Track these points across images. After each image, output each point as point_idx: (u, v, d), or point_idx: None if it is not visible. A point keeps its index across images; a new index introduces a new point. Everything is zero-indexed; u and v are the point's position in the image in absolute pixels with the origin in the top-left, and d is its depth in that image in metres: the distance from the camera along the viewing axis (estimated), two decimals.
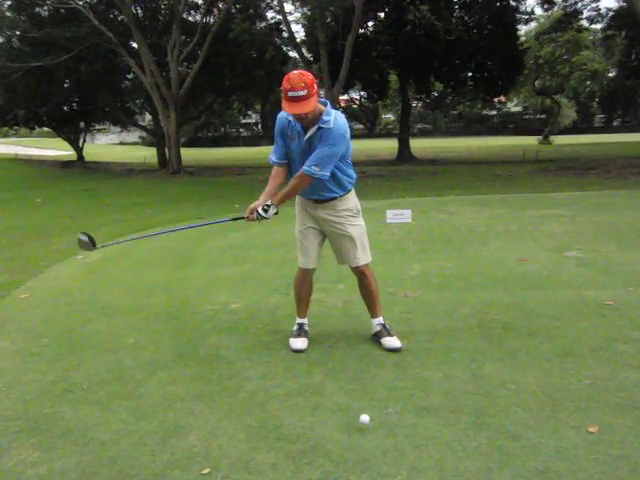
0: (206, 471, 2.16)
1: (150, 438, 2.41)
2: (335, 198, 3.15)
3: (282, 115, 3.07)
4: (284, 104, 2.87)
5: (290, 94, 2.82)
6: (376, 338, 3.33)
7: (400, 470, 2.12)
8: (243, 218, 3.19)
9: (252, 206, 3.12)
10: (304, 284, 3.41)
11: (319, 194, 3.15)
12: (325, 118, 2.93)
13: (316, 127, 2.96)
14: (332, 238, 3.27)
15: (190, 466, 2.20)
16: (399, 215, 4.20)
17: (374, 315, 3.37)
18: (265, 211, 3.08)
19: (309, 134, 2.99)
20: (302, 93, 2.79)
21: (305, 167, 2.97)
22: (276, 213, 3.10)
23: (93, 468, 2.22)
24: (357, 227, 3.22)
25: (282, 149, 3.14)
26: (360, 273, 3.29)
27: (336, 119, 2.95)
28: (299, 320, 3.44)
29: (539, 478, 2.04)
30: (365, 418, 2.38)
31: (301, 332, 3.39)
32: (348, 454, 2.23)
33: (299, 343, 3.30)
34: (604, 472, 2.06)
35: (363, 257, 3.25)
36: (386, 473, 2.11)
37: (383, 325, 3.34)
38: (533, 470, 2.08)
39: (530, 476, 2.05)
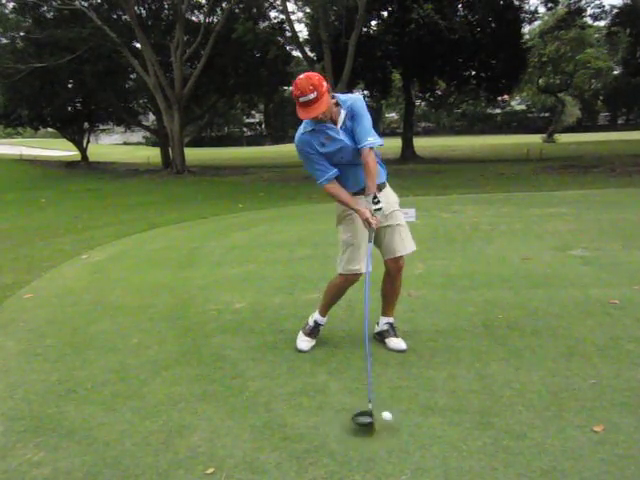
0: (210, 471, 2.16)
1: (154, 438, 2.41)
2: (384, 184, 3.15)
3: (299, 136, 2.97)
4: (298, 111, 2.84)
5: (301, 99, 2.79)
6: (380, 337, 3.32)
7: (404, 470, 2.11)
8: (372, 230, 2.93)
9: (366, 217, 2.87)
10: (346, 289, 3.28)
11: (361, 184, 3.06)
12: (342, 98, 2.94)
13: (342, 111, 2.93)
14: (383, 230, 3.14)
15: (194, 466, 2.20)
16: (403, 214, 4.18)
17: (387, 314, 3.34)
18: (376, 204, 2.91)
19: (341, 122, 2.94)
20: (312, 96, 2.77)
21: (364, 144, 2.88)
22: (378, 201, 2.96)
23: (97, 468, 2.22)
24: (402, 215, 3.23)
25: (325, 162, 2.98)
26: (400, 265, 3.20)
27: (350, 95, 3.00)
28: (321, 319, 3.33)
29: (544, 478, 2.03)
30: (387, 415, 2.36)
31: (315, 332, 3.32)
32: (352, 453, 2.23)
33: (306, 344, 3.28)
34: (610, 471, 2.05)
35: (410, 245, 3.21)
36: (390, 473, 2.10)
37: (391, 325, 3.32)
38: (538, 470, 2.07)
39: (535, 476, 2.04)
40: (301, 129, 2.99)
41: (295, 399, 2.69)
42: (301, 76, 2.87)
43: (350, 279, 3.17)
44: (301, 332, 3.36)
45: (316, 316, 3.35)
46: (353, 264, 3.10)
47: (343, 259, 3.13)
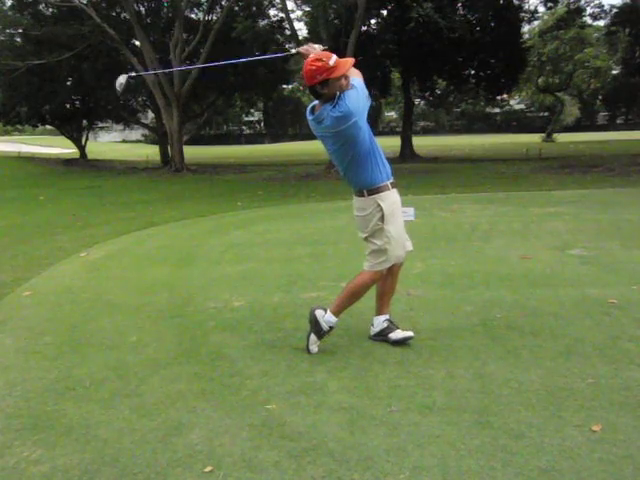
0: (208, 469, 2.16)
1: (152, 436, 2.41)
2: None
3: (351, 93, 2.90)
4: (339, 70, 2.82)
5: (332, 62, 2.81)
6: (381, 337, 3.31)
7: (402, 468, 2.11)
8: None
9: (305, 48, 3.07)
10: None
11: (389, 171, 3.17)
12: None
13: None
14: None
15: (192, 464, 2.20)
16: (402, 213, 4.19)
17: (384, 312, 3.34)
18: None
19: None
20: (334, 56, 2.84)
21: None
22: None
23: (95, 466, 2.22)
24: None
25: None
26: (404, 260, 3.29)
27: None
28: (335, 321, 3.21)
29: (542, 477, 2.03)
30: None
31: (327, 334, 3.21)
32: (351, 452, 2.23)
33: (317, 347, 3.20)
34: (608, 471, 2.05)
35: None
36: (389, 471, 2.10)
37: (389, 320, 3.33)
38: (536, 469, 2.07)
39: (533, 475, 2.04)
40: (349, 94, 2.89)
41: (293, 398, 2.69)
42: (311, 56, 2.88)
43: (396, 268, 3.26)
44: (315, 337, 3.18)
45: (330, 319, 3.17)
46: (402, 249, 3.18)
47: (393, 251, 3.09)
